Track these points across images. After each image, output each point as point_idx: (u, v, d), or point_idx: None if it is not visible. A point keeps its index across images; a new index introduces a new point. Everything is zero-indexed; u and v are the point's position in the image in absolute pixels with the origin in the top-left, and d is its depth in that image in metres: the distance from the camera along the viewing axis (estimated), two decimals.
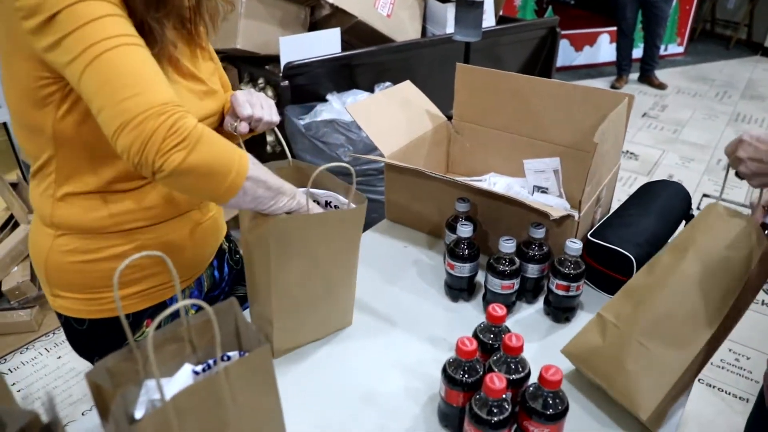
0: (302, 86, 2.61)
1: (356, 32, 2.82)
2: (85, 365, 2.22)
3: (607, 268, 1.13)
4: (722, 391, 1.98)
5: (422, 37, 3.01)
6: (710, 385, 2.00)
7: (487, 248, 1.24)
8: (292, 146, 2.65)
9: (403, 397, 0.92)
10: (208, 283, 1.15)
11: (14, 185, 2.71)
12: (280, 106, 2.46)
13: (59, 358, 2.19)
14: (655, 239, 1.19)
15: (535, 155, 1.44)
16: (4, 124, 2.63)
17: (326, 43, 2.70)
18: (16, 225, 2.59)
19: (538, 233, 1.06)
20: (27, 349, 2.22)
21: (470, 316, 1.10)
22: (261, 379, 0.56)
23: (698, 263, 0.83)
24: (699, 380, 2.00)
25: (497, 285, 1.05)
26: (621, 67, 4.89)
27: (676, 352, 0.81)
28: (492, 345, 0.85)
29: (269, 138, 3.04)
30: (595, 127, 1.29)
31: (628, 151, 3.76)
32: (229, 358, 0.62)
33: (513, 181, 1.49)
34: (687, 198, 1.32)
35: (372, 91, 2.69)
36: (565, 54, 5.22)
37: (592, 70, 5.27)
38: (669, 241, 1.00)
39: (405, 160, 1.38)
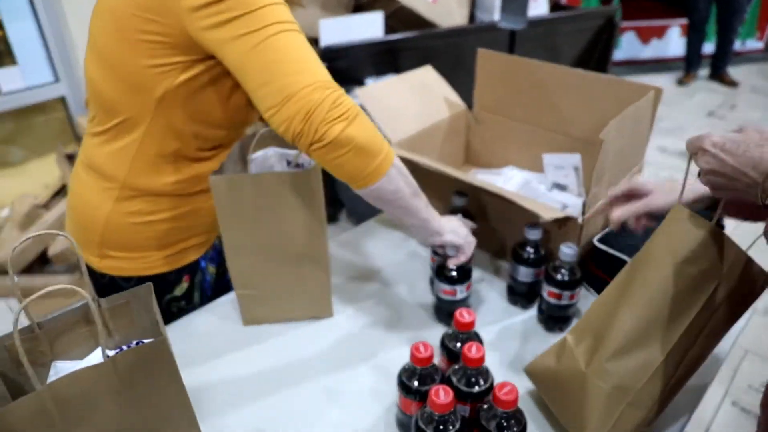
0: (341, 70, 2.57)
1: (400, 16, 2.75)
2: None
3: (611, 278, 1.03)
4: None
5: (469, 24, 2.91)
6: (744, 410, 1.84)
7: (484, 245, 1.17)
8: None
9: (368, 396, 0.87)
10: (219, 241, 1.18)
11: (70, 156, 2.83)
12: None
13: None
14: None
15: (557, 149, 1.35)
16: (63, 98, 2.74)
17: (368, 27, 2.64)
18: (67, 194, 2.70)
19: (533, 234, 0.98)
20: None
21: None
22: (158, 369, 0.52)
23: (652, 280, 0.72)
24: (733, 403, 1.85)
25: (440, 289, 0.98)
26: (690, 62, 4.58)
27: (624, 385, 0.72)
28: (458, 353, 0.78)
29: None
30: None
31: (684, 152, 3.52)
32: None
33: (531, 176, 1.40)
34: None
35: None
36: (631, 46, 4.94)
37: (659, 64, 4.96)
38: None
39: (416, 148, 1.32)
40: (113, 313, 0.59)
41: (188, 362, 0.94)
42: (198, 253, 1.07)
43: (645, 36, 4.96)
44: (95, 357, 0.57)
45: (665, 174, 3.27)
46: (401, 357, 0.94)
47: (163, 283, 1.03)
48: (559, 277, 0.94)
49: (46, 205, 2.62)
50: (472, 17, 3.00)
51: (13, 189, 3.19)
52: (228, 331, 1.02)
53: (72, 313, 0.57)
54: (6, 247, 2.44)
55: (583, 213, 1.00)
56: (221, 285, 1.19)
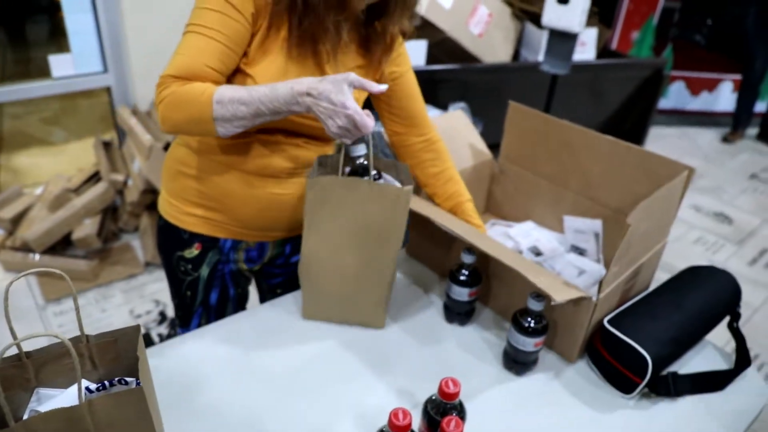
0: None
1: (444, 47, 2.76)
2: (121, 322, 2.33)
3: (618, 362, 0.99)
4: None
5: (512, 62, 2.90)
6: None
7: (487, 301, 1.18)
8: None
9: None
10: (272, 253, 1.22)
11: (107, 144, 2.90)
12: None
13: (104, 311, 2.32)
14: (684, 339, 1.05)
15: (580, 213, 1.33)
16: (108, 88, 2.82)
17: (411, 54, 2.65)
18: (98, 180, 2.76)
19: (536, 306, 0.96)
20: (79, 296, 2.38)
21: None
22: (133, 416, 0.53)
23: None
24: None
25: None
26: (739, 120, 4.47)
27: None
28: (438, 423, 0.77)
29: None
30: (645, 195, 1.16)
31: (722, 213, 3.43)
32: (126, 383, 0.59)
33: (551, 235, 1.38)
34: (736, 292, 1.15)
35: (446, 108, 2.63)
36: (679, 96, 4.86)
37: (706, 118, 4.87)
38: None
39: None
40: (100, 349, 0.60)
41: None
42: (219, 232, 1.13)
43: (695, 87, 4.87)
44: (75, 390, 0.58)
45: (695, 234, 3.19)
46: (385, 406, 0.93)
47: (177, 237, 1.14)
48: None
49: (77, 190, 2.69)
50: (516, 54, 2.99)
51: (51, 168, 3.30)
52: (286, 323, 1.11)
53: (59, 345, 0.58)
54: (34, 226, 2.51)
55: (599, 291, 0.98)
56: (242, 298, 1.28)
